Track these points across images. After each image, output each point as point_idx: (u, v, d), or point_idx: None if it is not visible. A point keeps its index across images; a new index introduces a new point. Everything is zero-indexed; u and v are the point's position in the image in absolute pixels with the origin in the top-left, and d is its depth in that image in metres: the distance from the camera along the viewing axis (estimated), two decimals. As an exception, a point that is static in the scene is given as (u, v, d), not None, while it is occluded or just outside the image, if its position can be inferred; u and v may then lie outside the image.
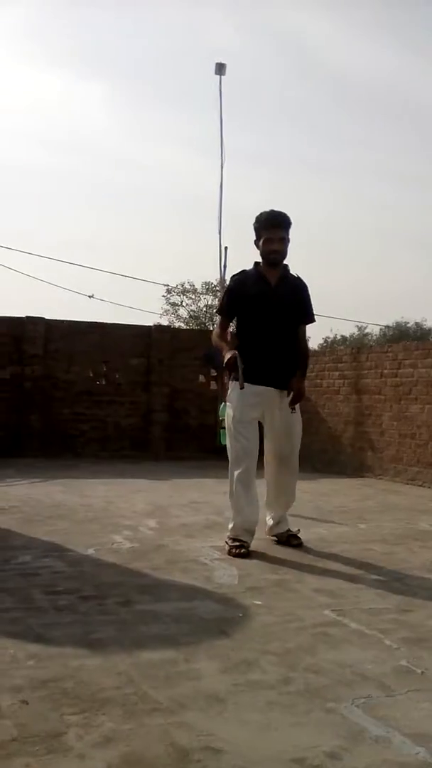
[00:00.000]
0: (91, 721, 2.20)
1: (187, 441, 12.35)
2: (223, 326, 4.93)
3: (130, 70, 55.75)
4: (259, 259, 4.82)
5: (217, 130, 13.31)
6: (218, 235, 12.22)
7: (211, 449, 10.90)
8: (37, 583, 3.81)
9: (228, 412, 4.78)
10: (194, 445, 12.21)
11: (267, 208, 4.76)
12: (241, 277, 4.84)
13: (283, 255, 4.75)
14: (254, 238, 4.79)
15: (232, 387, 4.72)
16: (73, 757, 1.97)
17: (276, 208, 4.75)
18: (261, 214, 4.73)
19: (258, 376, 4.66)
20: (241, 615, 3.35)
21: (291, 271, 4.85)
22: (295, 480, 4.92)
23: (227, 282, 5.16)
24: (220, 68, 14.91)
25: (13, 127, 51.96)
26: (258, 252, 4.80)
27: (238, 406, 4.68)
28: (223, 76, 14.71)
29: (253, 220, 4.78)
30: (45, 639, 2.95)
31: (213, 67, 14.62)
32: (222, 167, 12.94)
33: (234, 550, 4.52)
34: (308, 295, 4.87)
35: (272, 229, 4.69)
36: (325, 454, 10.40)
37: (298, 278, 4.85)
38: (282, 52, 53.76)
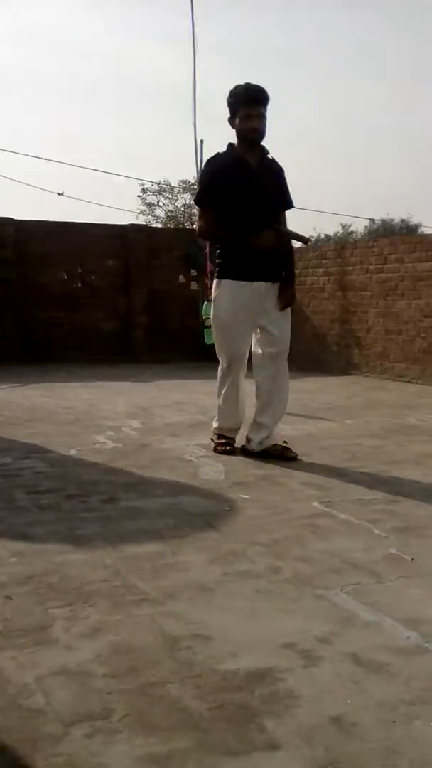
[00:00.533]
0: (78, 613, 2.16)
1: (170, 343, 12.21)
2: (212, 215, 4.37)
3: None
4: (234, 140, 4.39)
5: (188, 20, 12.60)
6: (193, 128, 11.79)
7: (195, 350, 10.80)
8: (19, 484, 3.76)
9: (217, 312, 4.44)
10: (177, 347, 12.08)
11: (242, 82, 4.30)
12: (218, 160, 4.39)
13: (263, 134, 4.34)
14: (228, 115, 4.33)
15: (222, 286, 4.38)
16: (60, 648, 1.93)
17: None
18: (237, 87, 4.29)
19: (247, 270, 4.30)
20: (227, 509, 3.31)
21: (268, 154, 4.45)
22: (287, 384, 4.50)
23: (203, 168, 4.60)
24: None
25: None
26: (233, 132, 4.36)
27: (229, 305, 4.35)
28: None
29: (227, 95, 4.32)
30: (28, 537, 2.89)
31: None
32: (195, 58, 12.34)
33: (220, 447, 4.47)
34: (285, 179, 4.50)
35: (251, 104, 4.25)
36: (310, 353, 10.32)
37: (275, 161, 4.47)
38: None
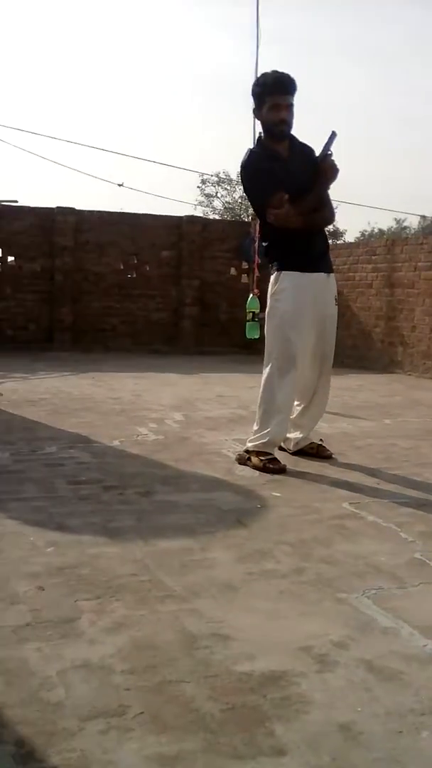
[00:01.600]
0: (105, 607, 2.25)
1: (217, 335, 12.30)
2: (281, 200, 4.01)
3: None
4: (261, 134, 4.22)
5: (252, 13, 12.58)
6: (252, 123, 11.77)
7: (242, 343, 10.86)
8: (61, 474, 3.88)
9: (277, 306, 4.13)
10: (224, 339, 12.16)
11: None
12: (254, 158, 4.18)
13: (291, 125, 4.13)
14: (254, 106, 4.15)
15: (283, 277, 4.12)
16: (84, 642, 2.02)
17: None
18: (264, 75, 4.11)
19: (306, 261, 4.11)
20: (259, 506, 3.38)
21: (296, 140, 4.22)
22: (329, 385, 4.41)
23: (240, 172, 4.29)
24: None
25: (62, 16, 49.92)
26: (259, 123, 4.19)
27: (291, 299, 4.07)
28: None
29: (253, 85, 4.15)
30: (65, 527, 3.00)
31: None
32: (257, 51, 12.31)
33: (270, 465, 4.03)
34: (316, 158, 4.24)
35: (279, 94, 4.04)
36: (355, 350, 10.30)
37: (304, 144, 4.27)
38: None
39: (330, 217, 4.45)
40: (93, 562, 2.62)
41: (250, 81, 4.26)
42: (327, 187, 4.22)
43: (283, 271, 4.14)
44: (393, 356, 9.85)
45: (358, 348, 10.36)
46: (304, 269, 4.12)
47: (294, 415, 4.37)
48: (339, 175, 4.19)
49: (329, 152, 4.12)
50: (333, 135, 4.14)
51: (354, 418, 5.85)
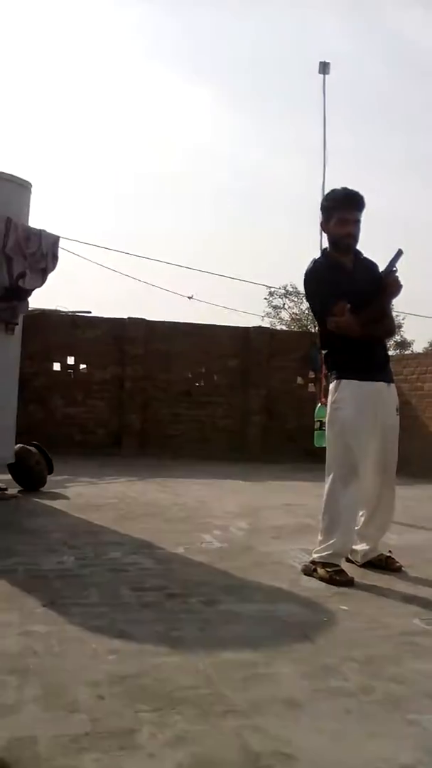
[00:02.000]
0: (165, 719, 2.19)
1: (284, 443, 12.28)
2: (343, 310, 4.06)
3: (236, 72, 55.75)
4: (326, 247, 4.38)
5: (319, 131, 13.22)
6: (319, 237, 12.13)
7: (308, 451, 10.79)
8: (125, 579, 3.85)
9: (337, 415, 4.15)
10: (290, 447, 12.12)
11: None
12: (318, 267, 4.29)
13: (357, 239, 4.27)
14: (322, 219, 4.31)
15: (342, 386, 4.15)
16: (143, 755, 1.97)
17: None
18: (334, 191, 4.29)
19: (366, 371, 4.14)
20: (325, 619, 3.28)
21: (361, 255, 4.38)
22: (395, 496, 4.32)
23: (304, 281, 4.37)
24: (324, 67, 14.90)
25: (122, 128, 53.01)
26: (326, 236, 4.35)
27: (352, 408, 4.09)
28: (327, 75, 14.70)
29: (323, 199, 4.35)
30: (127, 635, 2.96)
31: (317, 67, 14.63)
32: (324, 168, 12.86)
33: (338, 578, 3.92)
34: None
35: (348, 209, 4.20)
36: (424, 460, 10.10)
37: (368, 259, 4.38)
38: (387, 53, 52.68)
39: (391, 329, 4.52)
40: (154, 672, 2.57)
41: (318, 197, 4.47)
42: (389, 302, 4.29)
43: (342, 380, 4.17)
44: (464, 467, 9.62)
45: (428, 458, 10.17)
46: (364, 378, 4.14)
47: (359, 526, 4.29)
48: (402, 292, 4.23)
49: (394, 269, 4.20)
50: (399, 253, 4.22)
51: (424, 530, 5.69)
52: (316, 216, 4.36)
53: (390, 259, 4.22)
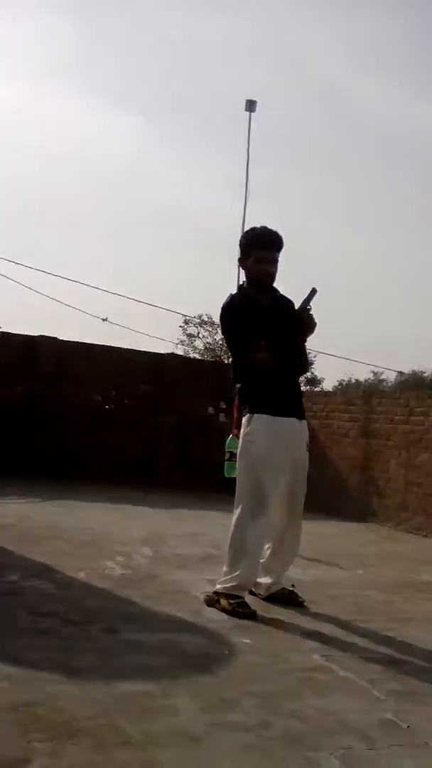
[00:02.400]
0: (60, 750, 2.12)
1: (193, 472, 12.22)
2: (259, 346, 4.12)
3: (164, 105, 56.24)
4: (244, 282, 4.43)
5: (242, 167, 13.50)
6: (237, 270, 12.30)
7: (217, 481, 10.80)
8: (22, 604, 3.74)
9: (248, 448, 4.14)
10: (199, 476, 12.06)
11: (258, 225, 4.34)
12: (235, 303, 4.30)
13: (274, 277, 4.33)
14: (240, 256, 4.36)
15: (255, 420, 4.15)
16: (34, 787, 1.89)
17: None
18: (253, 230, 4.35)
19: (279, 406, 4.15)
20: (227, 652, 3.25)
21: (277, 293, 4.40)
22: (301, 531, 4.36)
23: (221, 315, 4.40)
24: (251, 105, 15.23)
25: (45, 154, 52.56)
26: (244, 273, 4.41)
27: (264, 442, 4.09)
28: (253, 113, 15.02)
29: (241, 237, 4.40)
30: (22, 661, 2.86)
31: (243, 104, 14.95)
32: (246, 203, 13.09)
33: (241, 610, 3.90)
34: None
35: (267, 249, 4.27)
36: (330, 496, 10.24)
37: (285, 296, 4.41)
38: (313, 98, 54.32)
39: (305, 366, 4.61)
40: (49, 700, 2.49)
41: (238, 231, 4.53)
42: (304, 339, 4.37)
43: (255, 414, 4.17)
44: (368, 505, 9.81)
45: (334, 495, 10.32)
46: (277, 413, 4.16)
47: (264, 559, 4.30)
48: (317, 329, 4.30)
49: (309, 307, 4.27)
50: (313, 291, 4.29)
51: (328, 566, 5.74)
52: (236, 250, 4.40)
53: (305, 297, 4.28)
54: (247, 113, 14.96)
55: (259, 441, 4.12)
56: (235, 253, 4.41)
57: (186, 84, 53.08)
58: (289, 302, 4.40)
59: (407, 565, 6.30)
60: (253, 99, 14.95)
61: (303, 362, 4.57)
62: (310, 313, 4.25)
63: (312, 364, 29.89)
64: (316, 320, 4.27)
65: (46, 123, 50.95)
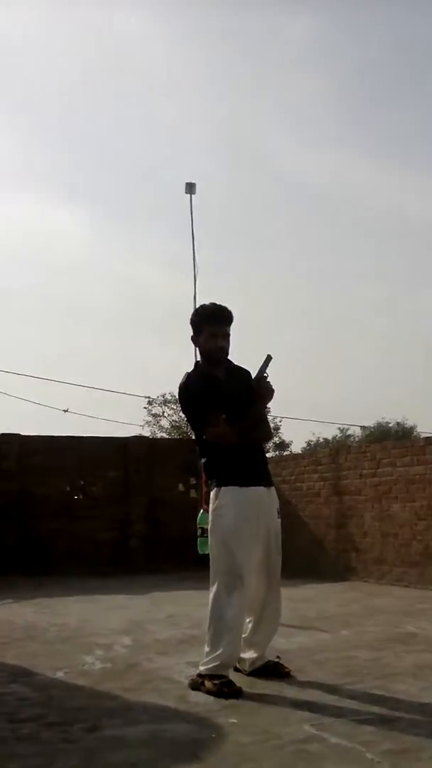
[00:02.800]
0: None
1: (167, 552, 12.06)
2: (219, 420, 4.10)
3: (106, 194, 57.39)
4: (199, 359, 4.47)
5: (189, 247, 13.93)
6: (193, 347, 12.42)
7: (192, 559, 10.64)
8: (0, 712, 3.58)
9: (219, 522, 4.08)
10: (174, 555, 11.90)
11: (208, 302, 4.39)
12: (191, 380, 4.33)
13: (227, 352, 4.36)
14: (192, 333, 4.39)
15: (223, 493, 4.09)
16: None
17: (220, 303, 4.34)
18: (203, 306, 4.39)
19: (246, 476, 4.12)
20: (214, 736, 3.13)
21: (231, 365, 4.42)
22: (281, 600, 4.27)
23: (179, 394, 4.45)
24: (191, 188, 15.77)
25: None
26: (197, 349, 4.44)
27: (233, 514, 4.03)
28: (193, 195, 15.57)
29: (192, 314, 4.42)
30: (1, 773, 2.73)
31: (183, 187, 15.48)
32: (195, 282, 13.40)
33: (225, 689, 3.77)
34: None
35: (217, 324, 4.30)
36: (307, 559, 10.14)
37: (240, 367, 4.43)
38: (253, 172, 55.91)
39: (267, 434, 4.61)
40: None
41: (190, 309, 4.56)
42: (263, 407, 4.38)
43: (223, 487, 4.13)
44: (347, 563, 9.73)
45: (311, 557, 10.23)
46: (243, 484, 4.12)
47: (246, 633, 4.18)
48: (275, 396, 4.31)
49: (265, 375, 4.29)
50: (268, 358, 4.32)
51: (311, 630, 5.64)
52: (189, 328, 4.41)
53: (260, 365, 4.31)
54: (188, 195, 15.45)
55: (228, 514, 4.07)
56: (189, 331, 4.41)
57: (128, 169, 54.14)
58: (246, 372, 4.41)
59: (391, 618, 6.23)
60: (192, 182, 15.52)
61: (265, 430, 4.58)
62: (267, 380, 4.28)
63: (277, 429, 30.08)
64: (273, 387, 4.30)
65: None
